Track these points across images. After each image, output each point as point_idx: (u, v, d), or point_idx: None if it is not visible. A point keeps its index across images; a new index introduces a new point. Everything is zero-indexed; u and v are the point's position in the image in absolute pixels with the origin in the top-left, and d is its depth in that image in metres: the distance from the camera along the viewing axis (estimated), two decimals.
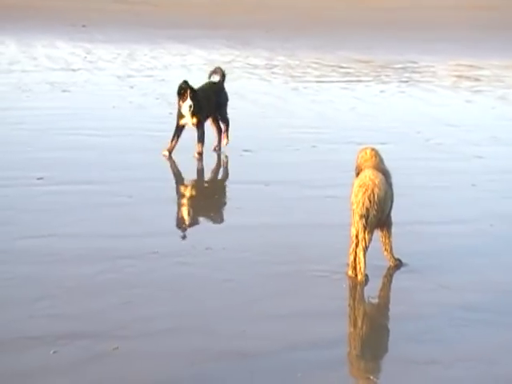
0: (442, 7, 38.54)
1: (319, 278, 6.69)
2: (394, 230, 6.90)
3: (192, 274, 6.73)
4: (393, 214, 6.88)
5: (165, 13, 35.48)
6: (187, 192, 9.86)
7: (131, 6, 37.91)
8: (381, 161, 6.89)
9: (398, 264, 6.97)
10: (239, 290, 6.44)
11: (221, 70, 11.65)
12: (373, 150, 6.94)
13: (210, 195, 9.20)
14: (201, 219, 8.40)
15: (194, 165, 10.78)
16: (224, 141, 11.35)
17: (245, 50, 24.94)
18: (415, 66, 22.19)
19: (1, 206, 8.43)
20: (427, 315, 6.07)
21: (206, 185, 9.77)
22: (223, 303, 6.16)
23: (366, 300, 6.50)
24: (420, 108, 15.51)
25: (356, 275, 6.62)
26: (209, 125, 11.27)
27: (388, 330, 6.00)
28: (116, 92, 16.21)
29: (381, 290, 6.72)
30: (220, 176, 9.94)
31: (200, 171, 10.55)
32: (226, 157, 11.04)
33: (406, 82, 19.09)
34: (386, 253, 6.94)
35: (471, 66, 22.61)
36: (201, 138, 10.86)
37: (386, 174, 6.78)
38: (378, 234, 6.82)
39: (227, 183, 9.58)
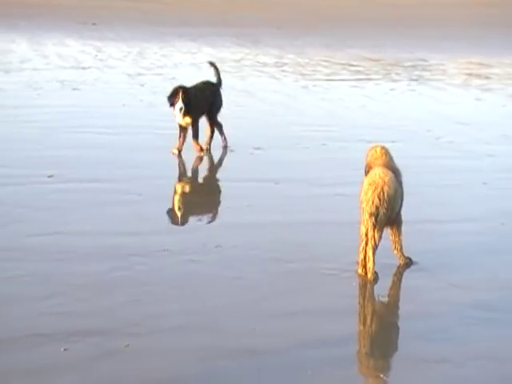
0: (452, 4, 38.41)
1: (329, 276, 6.69)
2: (404, 228, 6.89)
3: (202, 271, 6.74)
4: (403, 212, 6.87)
5: (175, 11, 35.50)
6: (197, 190, 9.87)
7: (141, 4, 37.95)
8: (390, 159, 6.88)
9: (408, 262, 6.96)
10: (249, 287, 6.44)
11: (218, 74, 11.48)
12: (382, 148, 6.93)
13: (219, 193, 9.21)
14: (211, 217, 8.41)
15: (204, 163, 10.80)
16: (205, 146, 11.15)
17: (255, 48, 24.93)
18: (425, 63, 22.14)
19: (11, 203, 8.46)
20: (437, 314, 6.06)
21: (215, 183, 9.79)
22: (233, 301, 6.17)
23: (376, 298, 6.49)
24: (430, 106, 15.47)
25: (366, 273, 6.62)
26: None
27: (398, 329, 5.99)
28: (126, 90, 16.23)
29: (391, 288, 6.71)
30: (230, 174, 9.95)
31: (209, 169, 10.57)
32: (236, 155, 11.03)
33: (416, 80, 19.05)
34: (395, 251, 6.93)
35: (481, 63, 22.54)
36: (195, 136, 10.81)
37: (395, 172, 6.77)
38: (387, 232, 6.81)
39: (237, 181, 9.58)
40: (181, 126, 10.85)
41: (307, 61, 22.25)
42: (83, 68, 19.38)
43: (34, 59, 20.76)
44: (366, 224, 6.54)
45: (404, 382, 5.11)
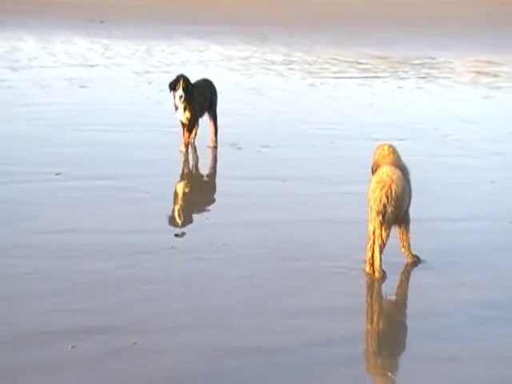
0: (460, 3, 38.31)
1: (336, 274, 6.68)
2: (411, 226, 6.87)
3: (209, 269, 6.74)
4: (411, 210, 6.85)
5: (183, 9, 35.51)
6: (203, 188, 9.86)
7: (149, 1, 37.97)
8: (398, 157, 6.86)
9: (416, 261, 6.94)
10: (256, 285, 6.43)
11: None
12: (390, 146, 6.91)
13: (226, 191, 9.19)
14: (218, 215, 8.39)
15: (211, 161, 10.79)
16: (212, 144, 11.15)
17: (262, 46, 24.91)
18: (433, 61, 22.08)
19: (20, 201, 8.47)
20: (445, 312, 6.04)
21: (222, 181, 9.77)
22: (240, 299, 6.16)
23: (384, 297, 6.48)
24: (438, 104, 15.43)
25: (373, 272, 6.60)
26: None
27: (406, 327, 5.98)
28: (134, 88, 16.24)
29: (398, 286, 6.69)
30: (237, 172, 9.94)
31: (216, 167, 10.56)
32: (243, 152, 11.02)
33: (424, 77, 19.00)
34: (403, 249, 6.91)
35: (490, 61, 22.47)
36: (190, 129, 10.77)
37: (403, 170, 6.75)
38: (395, 230, 6.79)
39: (244, 179, 9.57)
40: (182, 123, 10.84)
41: (315, 59, 22.22)
42: (91, 66, 19.40)
43: (42, 57, 20.79)
44: (373, 222, 6.53)
45: (412, 380, 5.10)
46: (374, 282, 6.56)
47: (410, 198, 6.79)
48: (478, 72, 20.46)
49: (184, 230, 7.96)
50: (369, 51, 23.96)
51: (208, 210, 8.70)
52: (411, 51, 24.19)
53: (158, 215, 8.16)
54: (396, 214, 6.56)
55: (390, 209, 6.48)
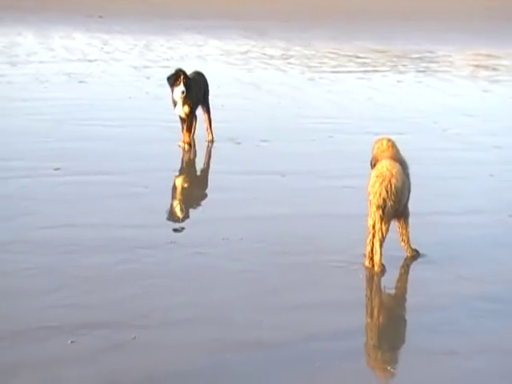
0: None
1: (336, 268, 6.68)
2: (411, 220, 6.87)
3: (209, 264, 6.73)
4: (410, 204, 6.85)
5: (181, 3, 35.45)
6: (203, 182, 9.86)
7: None
8: (397, 151, 6.85)
9: (415, 255, 6.94)
10: (256, 280, 6.43)
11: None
12: (389, 140, 6.91)
13: (226, 185, 9.19)
14: (217, 209, 8.39)
15: (210, 155, 10.79)
16: (209, 136, 11.20)
17: (261, 41, 24.89)
18: (432, 55, 22.07)
19: (19, 196, 8.46)
20: (445, 306, 6.04)
21: (222, 175, 9.76)
22: (240, 293, 6.16)
23: (384, 291, 6.48)
24: (437, 98, 15.42)
25: (373, 266, 6.60)
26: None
27: (406, 321, 5.98)
28: (132, 83, 16.23)
29: (398, 280, 6.69)
30: (236, 166, 9.93)
31: (215, 161, 10.55)
32: (243, 147, 11.01)
33: (423, 71, 18.99)
34: (403, 243, 6.91)
35: (489, 55, 22.46)
36: (189, 128, 10.79)
37: (403, 164, 6.75)
38: (395, 224, 6.79)
39: (243, 174, 9.57)
40: (181, 118, 10.83)
41: (314, 53, 22.20)
42: (90, 61, 19.38)
43: (41, 52, 20.77)
44: (373, 216, 6.52)
45: (412, 374, 5.10)
46: (374, 276, 6.56)
47: (409, 192, 6.79)
48: (477, 66, 20.45)
49: (183, 224, 7.96)
50: (368, 45, 23.94)
51: (207, 205, 8.70)
52: (410, 45, 24.18)
53: (158, 210, 8.15)
54: (395, 208, 6.56)
55: (389, 203, 6.48)
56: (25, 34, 25.04)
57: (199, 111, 11.12)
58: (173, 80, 10.61)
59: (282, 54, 21.74)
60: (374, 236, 6.57)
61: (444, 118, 13.24)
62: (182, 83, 10.51)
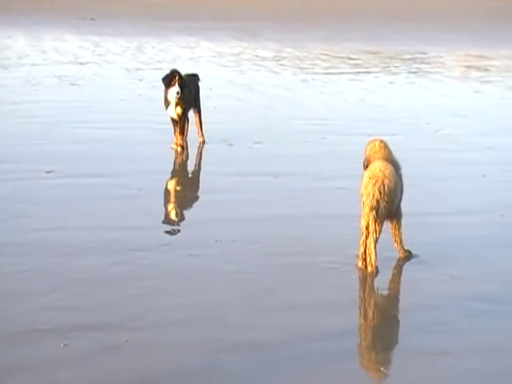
0: None
1: (329, 269, 6.69)
2: (404, 221, 6.89)
3: (203, 265, 6.74)
4: (403, 205, 6.87)
5: (173, 5, 35.44)
6: (196, 184, 9.87)
7: None
8: (390, 152, 6.87)
9: (408, 255, 6.96)
10: (250, 281, 6.44)
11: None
12: (381, 141, 6.93)
13: (219, 187, 9.19)
14: (210, 211, 8.39)
15: (203, 157, 10.80)
16: (201, 139, 11.21)
17: (253, 42, 24.91)
18: (424, 56, 22.13)
19: (12, 199, 8.45)
20: (438, 306, 6.06)
21: (214, 177, 9.77)
22: (234, 295, 6.17)
23: (377, 291, 6.50)
24: (429, 99, 15.47)
25: (366, 267, 6.62)
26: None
27: (399, 322, 5.99)
28: (125, 85, 16.22)
29: (391, 281, 6.71)
30: (229, 168, 9.94)
31: (208, 163, 10.55)
32: (236, 149, 11.02)
33: (415, 72, 19.04)
34: (395, 244, 6.93)
35: (480, 56, 22.53)
36: (182, 130, 10.80)
37: (395, 165, 6.77)
38: (387, 225, 6.81)
39: (237, 175, 9.58)
40: (173, 120, 10.83)
41: (306, 54, 22.23)
42: (81, 63, 19.36)
43: (32, 55, 20.73)
44: (366, 217, 6.54)
45: (405, 374, 5.11)
46: (367, 277, 6.57)
47: (401, 193, 6.81)
48: (469, 66, 20.52)
49: (177, 226, 7.97)
50: (360, 46, 23.98)
51: (200, 207, 8.71)
52: (402, 46, 24.23)
53: (151, 212, 8.15)
54: (389, 208, 6.58)
55: (382, 204, 6.50)
56: (16, 36, 24.98)
57: (190, 113, 11.13)
58: (168, 80, 10.62)
59: (275, 56, 21.77)
60: (367, 237, 6.58)
61: (436, 119, 13.28)
62: (177, 84, 10.53)
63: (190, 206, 8.80)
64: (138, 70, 18.41)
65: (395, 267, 6.85)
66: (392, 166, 6.66)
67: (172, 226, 7.95)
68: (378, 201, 6.47)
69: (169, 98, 10.65)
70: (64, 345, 5.28)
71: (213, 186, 9.44)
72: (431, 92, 16.27)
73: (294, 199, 8.68)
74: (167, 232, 7.64)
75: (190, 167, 10.54)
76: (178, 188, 9.50)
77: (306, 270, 6.68)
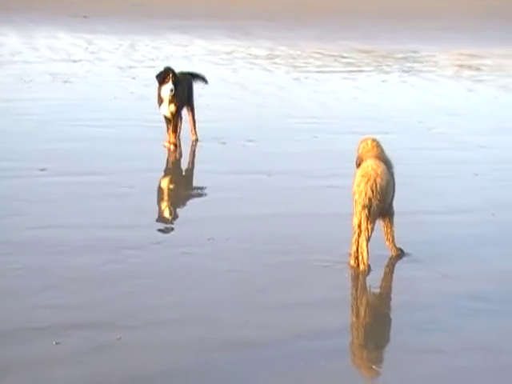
0: None
1: (322, 267, 6.70)
2: (396, 219, 6.90)
3: (196, 264, 6.74)
4: (395, 203, 6.88)
5: (166, 3, 35.38)
6: (188, 182, 9.87)
7: None
8: (382, 151, 6.89)
9: (400, 254, 6.98)
10: (242, 279, 6.44)
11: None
12: (374, 140, 6.94)
13: (211, 185, 9.19)
14: (203, 209, 8.40)
15: (195, 155, 10.79)
16: (193, 137, 11.21)
17: (246, 40, 24.89)
18: (417, 55, 22.16)
19: (5, 197, 8.43)
20: (431, 305, 6.08)
21: (207, 175, 9.77)
22: (227, 293, 6.17)
23: (369, 290, 6.51)
24: (422, 97, 15.49)
25: (358, 265, 6.63)
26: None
27: (391, 320, 6.01)
28: (117, 83, 16.19)
29: (383, 279, 6.73)
30: (222, 166, 9.94)
31: (201, 161, 10.55)
32: (228, 147, 11.02)
33: (408, 71, 19.06)
34: (388, 242, 6.95)
35: (473, 55, 22.58)
36: (175, 128, 10.79)
37: (387, 163, 6.78)
38: (379, 223, 6.82)
39: (229, 173, 9.58)
40: (166, 118, 10.82)
41: (299, 53, 22.24)
42: (74, 61, 19.31)
43: (25, 52, 20.67)
44: (358, 216, 6.55)
45: (397, 372, 5.12)
46: (359, 275, 6.59)
47: (393, 192, 6.83)
48: (461, 65, 20.55)
49: (169, 224, 7.97)
50: (353, 45, 24.00)
51: (193, 205, 8.70)
52: (395, 45, 24.25)
53: (144, 210, 8.15)
54: (381, 207, 6.60)
55: (375, 202, 6.51)
56: (9, 34, 24.91)
57: (184, 111, 11.13)
58: (162, 78, 10.61)
59: (268, 54, 21.76)
60: (359, 235, 6.60)
61: (429, 118, 13.30)
62: (170, 81, 10.52)
63: (183, 204, 8.80)
64: (130, 67, 18.38)
65: (387, 265, 6.87)
66: (384, 165, 6.68)
67: (165, 224, 7.95)
68: (370, 199, 6.48)
69: (162, 95, 10.64)
70: (56, 343, 5.27)
71: (205, 184, 9.44)
72: (424, 91, 16.30)
73: (287, 197, 8.69)
74: (160, 230, 7.64)
75: (183, 165, 10.54)
76: (171, 186, 9.50)
77: (299, 268, 6.69)
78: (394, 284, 6.72)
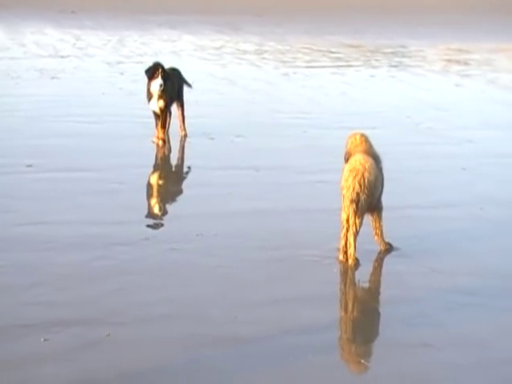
0: None
1: (311, 262, 6.71)
2: (384, 214, 6.93)
3: (184, 260, 6.74)
4: (383, 198, 6.90)
5: None
6: (177, 178, 9.86)
7: None
8: (370, 146, 6.90)
9: (389, 248, 7.00)
10: (231, 275, 6.45)
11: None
12: (362, 135, 6.95)
13: (200, 181, 9.20)
14: (192, 205, 8.39)
15: (184, 151, 10.78)
16: (183, 132, 11.21)
17: (235, 36, 24.88)
18: (405, 50, 22.20)
19: None
20: (419, 299, 6.10)
21: (196, 171, 9.77)
22: (216, 289, 6.18)
23: (358, 284, 6.53)
24: (410, 92, 15.53)
25: (347, 260, 6.65)
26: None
27: (379, 314, 6.03)
28: (106, 78, 16.15)
29: (372, 274, 6.75)
30: (210, 162, 9.94)
31: (190, 157, 10.54)
32: (217, 142, 11.02)
33: (396, 66, 19.10)
34: (376, 237, 6.97)
35: (460, 49, 22.64)
36: (164, 124, 10.78)
37: (376, 158, 6.80)
38: (368, 218, 6.84)
39: (218, 169, 9.57)
40: (155, 114, 10.80)
41: (288, 48, 22.24)
42: (62, 57, 19.25)
43: (12, 48, 20.59)
44: (346, 210, 6.57)
45: (386, 367, 5.14)
46: (348, 270, 6.61)
47: (382, 186, 6.85)
48: (449, 60, 20.61)
49: (158, 220, 7.96)
50: (341, 40, 24.02)
51: (182, 201, 8.70)
52: (383, 40, 24.29)
53: (133, 206, 8.14)
54: (369, 201, 6.61)
55: (363, 197, 6.53)
56: None
57: (173, 107, 11.12)
58: (151, 73, 10.58)
59: (256, 49, 21.75)
60: (347, 230, 6.61)
61: (417, 113, 13.33)
62: (160, 76, 10.50)
63: (172, 200, 8.79)
64: (119, 63, 18.33)
65: (376, 260, 6.89)
66: (372, 160, 6.69)
67: (154, 220, 7.95)
68: (358, 194, 6.49)
69: (151, 90, 10.63)
70: (45, 340, 5.26)
71: (194, 179, 9.44)
72: (412, 86, 16.33)
73: (276, 193, 8.69)
74: (149, 226, 7.64)
75: (172, 161, 10.53)
76: (160, 182, 9.49)
77: (288, 263, 6.70)
78: (382, 278, 6.74)
